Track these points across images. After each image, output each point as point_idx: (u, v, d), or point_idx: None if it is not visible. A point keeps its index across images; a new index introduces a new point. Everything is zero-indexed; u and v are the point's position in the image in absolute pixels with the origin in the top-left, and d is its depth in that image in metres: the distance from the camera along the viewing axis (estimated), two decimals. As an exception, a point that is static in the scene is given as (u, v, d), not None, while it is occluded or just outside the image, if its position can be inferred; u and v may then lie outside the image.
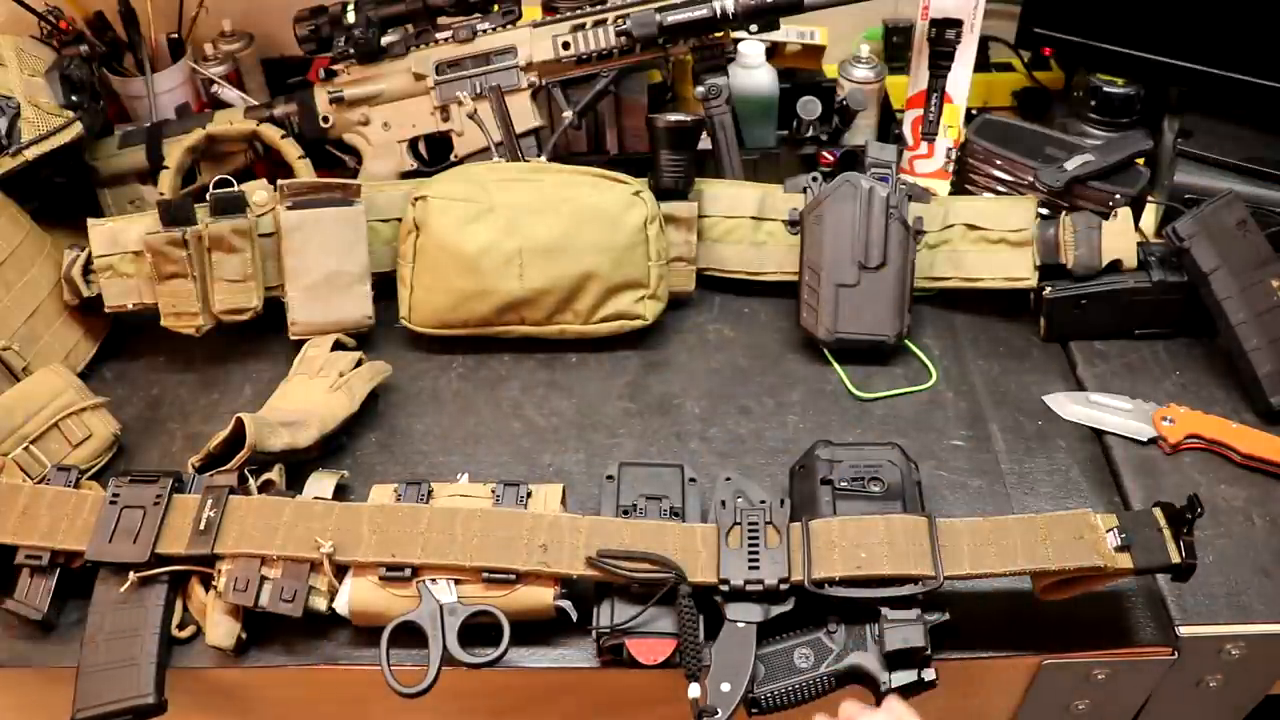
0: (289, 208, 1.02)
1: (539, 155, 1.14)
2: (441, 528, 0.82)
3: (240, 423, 0.86)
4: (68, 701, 0.80)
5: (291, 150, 1.13)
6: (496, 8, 1.14)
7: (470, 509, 0.84)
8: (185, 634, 0.83)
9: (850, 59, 1.28)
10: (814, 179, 1.07)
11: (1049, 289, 1.05)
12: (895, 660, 0.77)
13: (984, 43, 1.34)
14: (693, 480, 0.89)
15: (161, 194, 1.10)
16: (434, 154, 1.19)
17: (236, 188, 1.02)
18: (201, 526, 0.82)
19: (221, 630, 0.81)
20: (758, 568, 0.80)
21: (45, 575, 0.84)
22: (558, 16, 1.13)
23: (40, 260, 1.04)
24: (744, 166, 1.17)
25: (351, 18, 1.12)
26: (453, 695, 0.86)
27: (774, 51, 1.28)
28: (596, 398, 1.04)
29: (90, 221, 1.04)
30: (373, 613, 0.81)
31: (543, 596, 0.81)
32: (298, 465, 0.92)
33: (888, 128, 1.32)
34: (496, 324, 1.06)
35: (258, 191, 1.03)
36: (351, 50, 1.13)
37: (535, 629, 0.83)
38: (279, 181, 1.03)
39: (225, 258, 1.02)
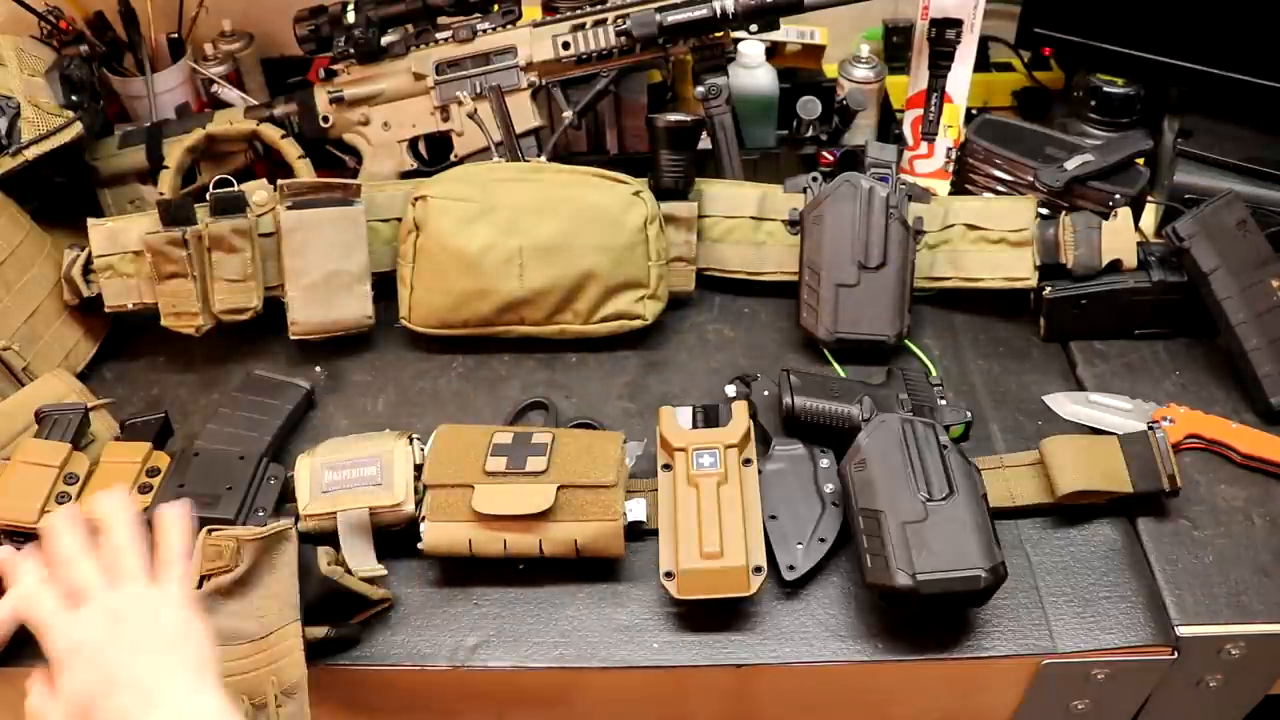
0: (289, 208, 1.02)
1: (539, 155, 1.14)
2: None
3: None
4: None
5: (291, 150, 1.13)
6: (496, 8, 1.14)
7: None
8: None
9: (850, 59, 1.28)
10: (814, 179, 1.07)
11: (1049, 289, 1.05)
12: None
13: (984, 43, 1.34)
14: None
15: (161, 194, 1.10)
16: (434, 154, 1.19)
17: (236, 188, 1.02)
18: None
19: None
20: None
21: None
22: (558, 16, 1.13)
23: (40, 260, 1.04)
24: (744, 166, 1.17)
25: (351, 18, 1.12)
26: (456, 696, 0.87)
27: (774, 51, 1.28)
28: (596, 398, 1.04)
29: (90, 221, 1.04)
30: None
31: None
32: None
33: (888, 128, 1.32)
34: (496, 324, 1.06)
35: (258, 191, 1.03)
36: (351, 50, 1.13)
37: (536, 630, 0.84)
38: (279, 181, 1.03)
39: (225, 258, 1.02)
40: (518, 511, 0.84)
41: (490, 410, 1.03)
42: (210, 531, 0.79)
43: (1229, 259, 0.98)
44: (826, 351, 1.06)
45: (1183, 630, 0.83)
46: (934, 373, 1.04)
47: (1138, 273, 1.04)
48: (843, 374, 1.04)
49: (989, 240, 1.07)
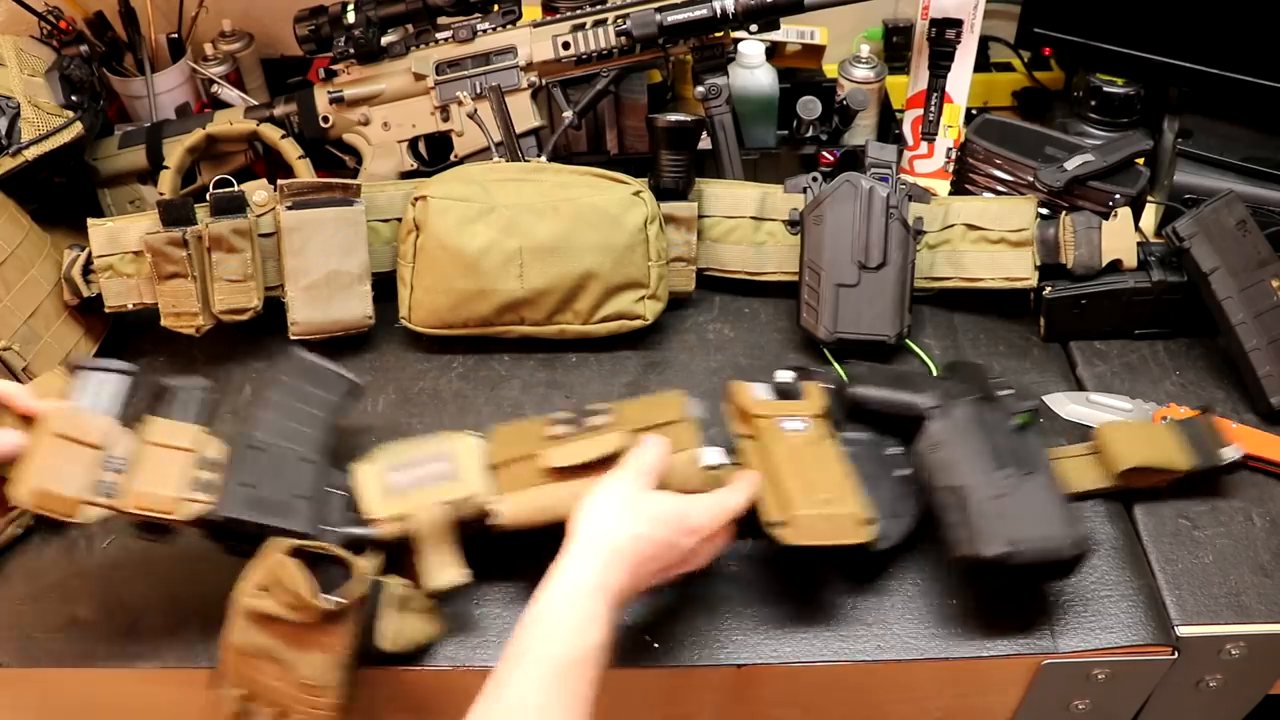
0: (289, 208, 1.02)
1: (539, 155, 1.14)
2: None
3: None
4: (71, 701, 0.79)
5: (291, 150, 1.13)
6: (496, 8, 1.14)
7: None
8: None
9: (850, 59, 1.28)
10: (814, 179, 1.07)
11: (1049, 289, 1.05)
12: None
13: (984, 43, 1.34)
14: None
15: (161, 194, 1.10)
16: (434, 154, 1.19)
17: (236, 188, 1.02)
18: None
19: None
20: None
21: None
22: (558, 16, 1.13)
23: (40, 260, 1.04)
24: (744, 166, 1.17)
25: (351, 18, 1.12)
26: (456, 696, 0.86)
27: (774, 51, 1.28)
28: (596, 398, 1.03)
29: (90, 221, 1.04)
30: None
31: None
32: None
33: (888, 128, 1.32)
34: (496, 324, 1.06)
35: (258, 191, 1.03)
36: (351, 50, 1.13)
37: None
38: (279, 181, 1.03)
39: (225, 258, 1.02)
40: (592, 458, 0.80)
41: (490, 410, 1.03)
42: (293, 552, 0.75)
43: (1229, 259, 0.98)
44: (827, 351, 1.06)
45: (1183, 630, 0.83)
46: (935, 372, 1.04)
47: (1138, 273, 1.04)
48: (844, 375, 1.04)
49: (989, 240, 1.07)
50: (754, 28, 1.11)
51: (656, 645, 0.84)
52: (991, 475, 0.82)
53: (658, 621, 0.85)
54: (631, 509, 0.73)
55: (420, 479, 0.83)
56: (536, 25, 1.13)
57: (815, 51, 1.32)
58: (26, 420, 0.76)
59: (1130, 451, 0.90)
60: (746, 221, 1.10)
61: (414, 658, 0.82)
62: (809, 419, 0.86)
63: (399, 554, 0.83)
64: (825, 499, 0.79)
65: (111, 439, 0.77)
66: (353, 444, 0.99)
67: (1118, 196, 1.06)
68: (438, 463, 0.84)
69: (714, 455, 0.85)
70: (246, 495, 0.78)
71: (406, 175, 1.17)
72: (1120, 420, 0.96)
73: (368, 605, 0.78)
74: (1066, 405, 1.00)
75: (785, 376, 0.92)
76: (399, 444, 0.87)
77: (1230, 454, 0.89)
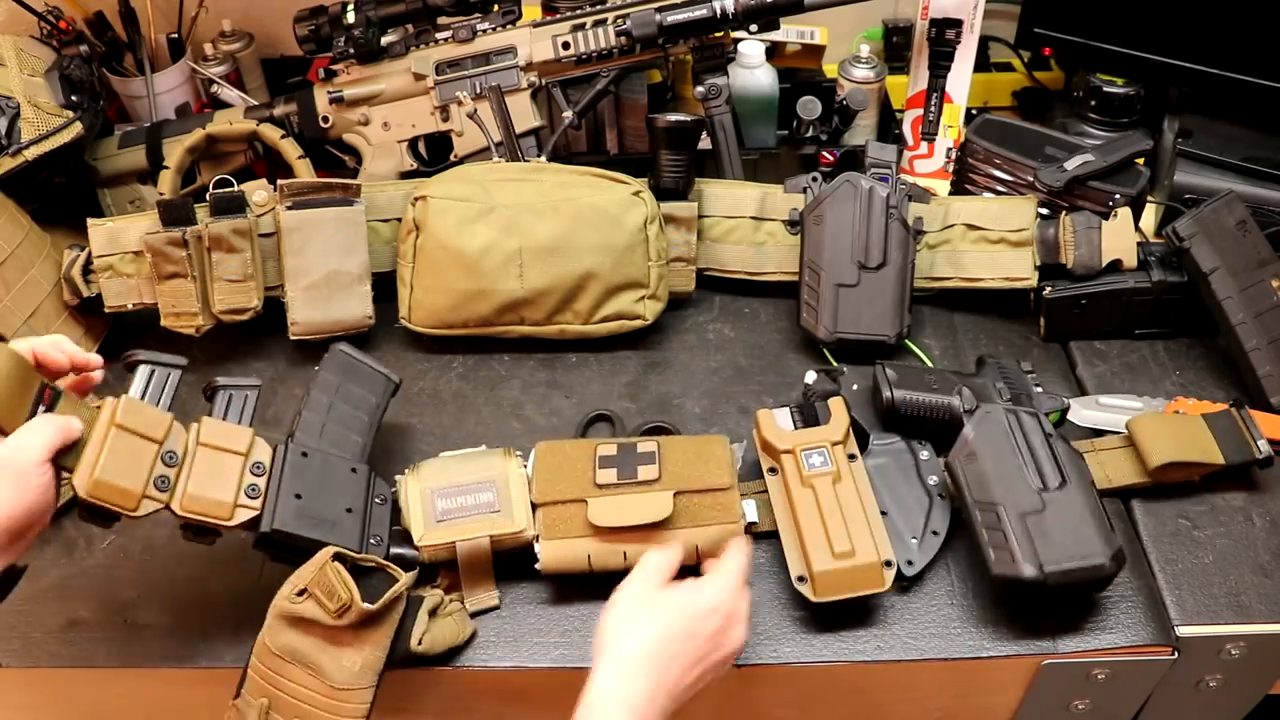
0: (289, 208, 1.02)
1: (539, 155, 1.14)
2: None
3: None
4: (82, 701, 0.79)
5: (291, 150, 1.13)
6: (496, 8, 1.14)
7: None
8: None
9: (850, 59, 1.28)
10: (814, 179, 1.07)
11: (1049, 289, 1.05)
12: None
13: (984, 43, 1.34)
14: None
15: (161, 194, 1.10)
16: (434, 154, 1.19)
17: (236, 188, 1.02)
18: None
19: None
20: None
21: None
22: (558, 16, 1.13)
23: (40, 260, 1.04)
24: (744, 166, 1.17)
25: (351, 18, 1.12)
26: (456, 696, 0.87)
27: (774, 51, 1.28)
28: (596, 398, 1.04)
29: (90, 221, 1.04)
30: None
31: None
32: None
33: (888, 128, 1.32)
34: (496, 324, 1.06)
35: (258, 191, 1.03)
36: (351, 50, 1.13)
37: (536, 630, 0.84)
38: (279, 181, 1.03)
39: (225, 258, 1.02)
40: (636, 522, 0.83)
41: (490, 410, 1.03)
42: (335, 558, 0.75)
43: (1229, 259, 0.98)
44: (826, 351, 1.06)
45: (1183, 630, 0.83)
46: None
47: (1138, 273, 1.04)
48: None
49: (989, 240, 1.07)
50: (754, 28, 1.11)
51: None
52: (1027, 490, 0.82)
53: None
54: (646, 612, 0.75)
55: (466, 508, 0.84)
56: (536, 25, 1.13)
57: (815, 51, 1.31)
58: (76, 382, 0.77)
59: (1167, 446, 0.89)
60: (746, 221, 1.10)
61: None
62: (831, 449, 0.86)
63: (434, 565, 0.85)
64: (846, 551, 0.81)
65: (170, 434, 0.77)
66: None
67: (1118, 196, 1.06)
68: (484, 492, 0.85)
69: (751, 511, 0.87)
70: (296, 507, 0.79)
71: (406, 175, 1.17)
72: (1150, 412, 0.95)
73: (403, 609, 0.78)
74: (1080, 412, 0.99)
75: (810, 377, 0.94)
76: (443, 459, 0.89)
77: (1266, 447, 0.89)
